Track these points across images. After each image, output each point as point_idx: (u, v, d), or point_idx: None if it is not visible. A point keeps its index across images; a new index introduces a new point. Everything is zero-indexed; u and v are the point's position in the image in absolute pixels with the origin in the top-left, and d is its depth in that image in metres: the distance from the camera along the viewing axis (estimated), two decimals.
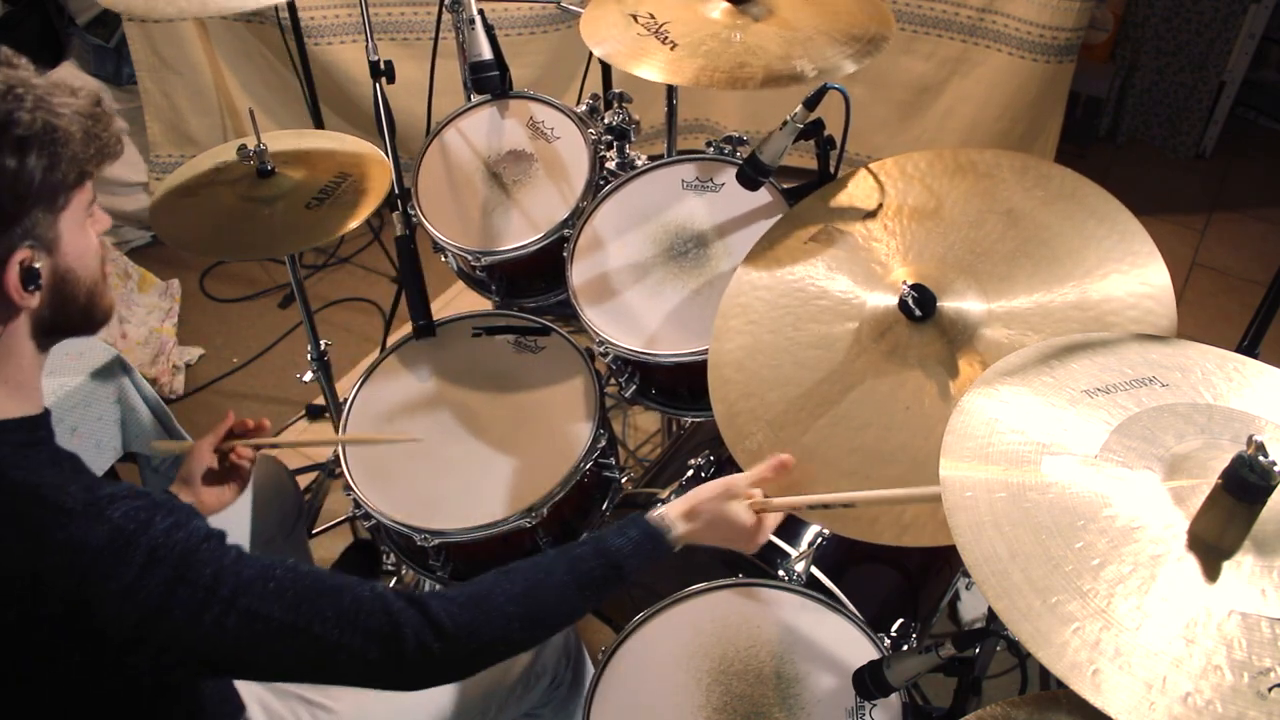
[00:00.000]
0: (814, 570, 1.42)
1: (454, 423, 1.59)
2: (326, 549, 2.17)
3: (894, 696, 1.21)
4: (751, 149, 1.48)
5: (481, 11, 1.73)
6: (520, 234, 1.69)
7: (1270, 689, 0.71)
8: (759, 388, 1.26)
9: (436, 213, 1.76)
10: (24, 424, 0.93)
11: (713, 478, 1.53)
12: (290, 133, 1.83)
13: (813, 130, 1.41)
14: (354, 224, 1.63)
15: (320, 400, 2.51)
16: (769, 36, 1.47)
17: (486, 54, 1.70)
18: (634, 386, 1.62)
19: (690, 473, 1.54)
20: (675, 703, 1.26)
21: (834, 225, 1.37)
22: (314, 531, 2.21)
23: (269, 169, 1.68)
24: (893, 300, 1.22)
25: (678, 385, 1.61)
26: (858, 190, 1.40)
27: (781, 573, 1.41)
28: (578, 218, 1.68)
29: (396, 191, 1.69)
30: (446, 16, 1.95)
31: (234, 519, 1.50)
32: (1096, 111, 3.24)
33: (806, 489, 1.18)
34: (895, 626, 1.36)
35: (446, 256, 1.81)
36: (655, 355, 1.52)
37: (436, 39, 2.07)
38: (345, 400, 1.63)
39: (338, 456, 1.57)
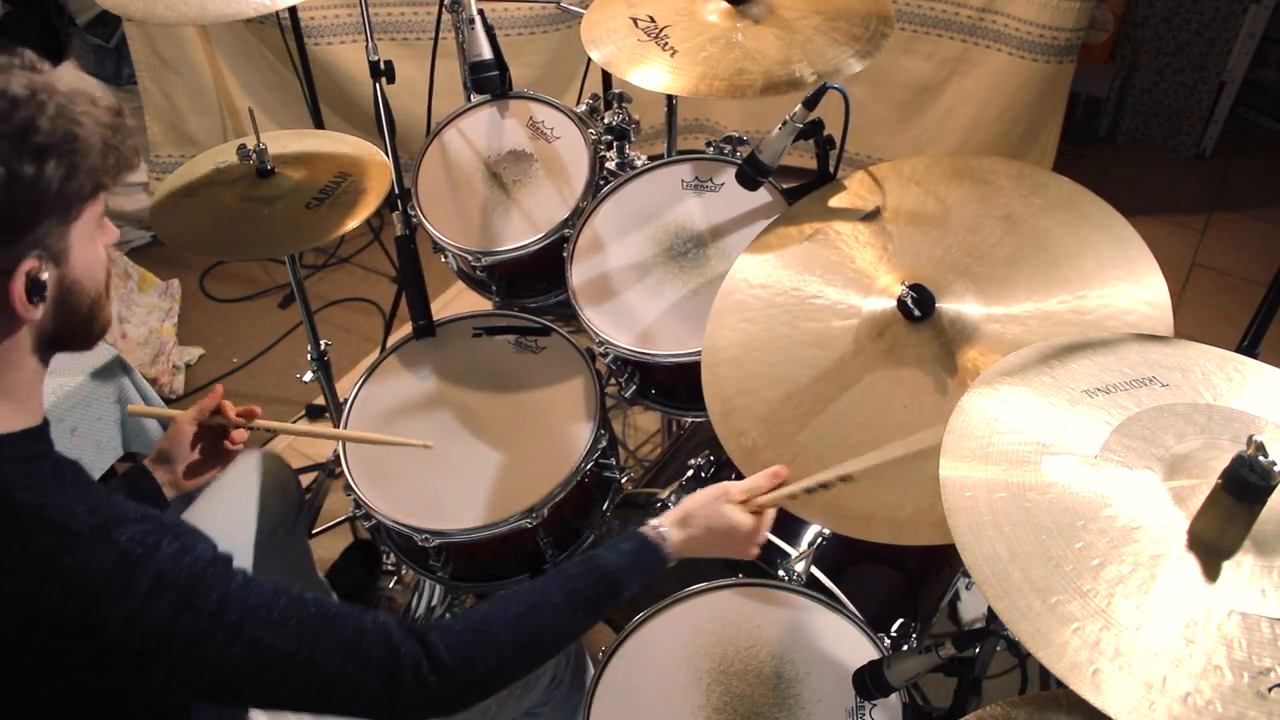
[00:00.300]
0: (814, 570, 1.42)
1: (454, 423, 1.59)
2: (326, 549, 2.16)
3: (894, 696, 1.21)
4: (751, 149, 1.48)
5: (481, 11, 1.73)
6: (520, 234, 1.69)
7: (1270, 689, 0.72)
8: (754, 385, 1.26)
9: (436, 213, 1.76)
10: (26, 436, 0.92)
11: (713, 478, 1.55)
12: (290, 133, 1.83)
13: (812, 130, 1.41)
14: (354, 224, 1.63)
15: (320, 400, 2.51)
16: (768, 39, 1.47)
17: (486, 54, 1.70)
18: (634, 387, 1.62)
19: (690, 473, 1.54)
20: (675, 703, 1.26)
21: (833, 225, 1.37)
22: (314, 531, 2.21)
23: (269, 169, 1.68)
24: (890, 301, 1.22)
25: (677, 385, 1.61)
26: (857, 191, 1.40)
27: (781, 573, 1.41)
28: (578, 218, 1.68)
29: (396, 191, 1.69)
30: (446, 16, 1.95)
31: (240, 514, 1.50)
32: (1096, 111, 3.24)
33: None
34: (895, 626, 1.36)
35: (446, 257, 1.81)
36: (655, 355, 1.52)
37: (436, 39, 2.07)
38: (345, 400, 1.63)
39: (338, 456, 1.57)
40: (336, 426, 1.63)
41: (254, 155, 1.67)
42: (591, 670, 1.48)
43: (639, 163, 1.77)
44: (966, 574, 1.72)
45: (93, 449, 1.73)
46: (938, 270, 1.25)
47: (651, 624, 1.34)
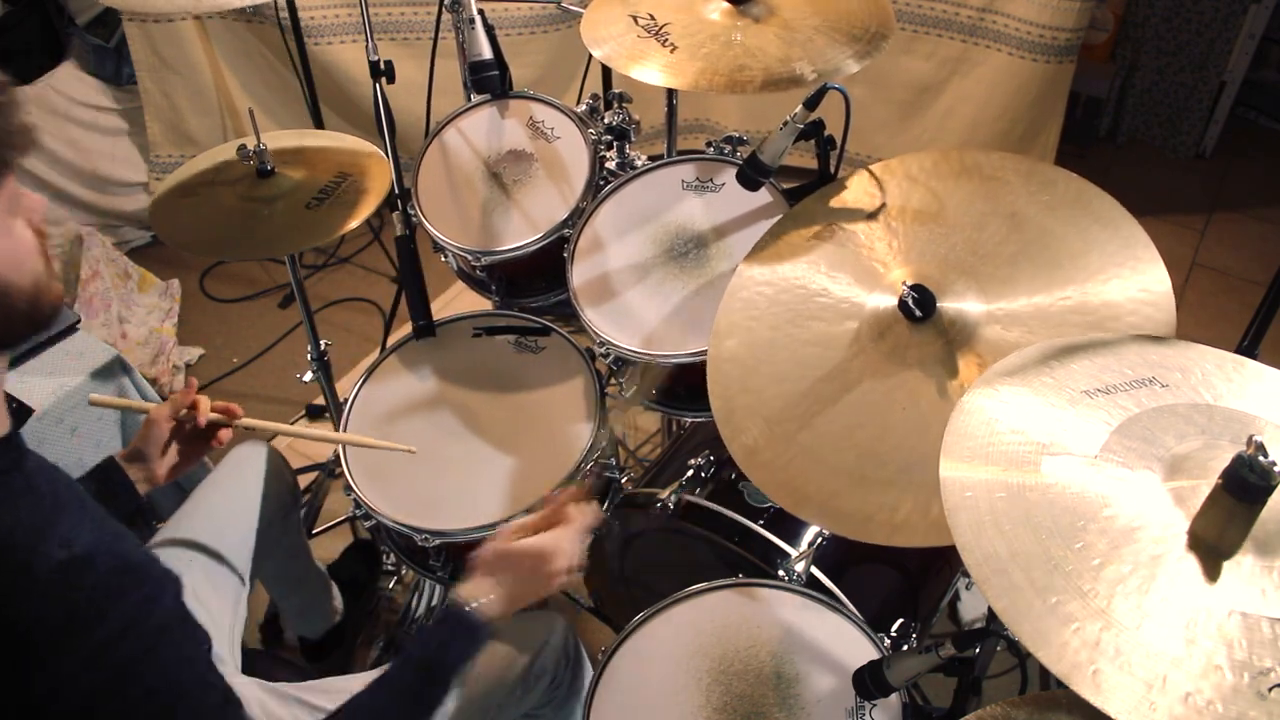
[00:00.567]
0: (814, 570, 1.42)
1: (454, 423, 1.59)
2: (326, 549, 2.16)
3: (894, 696, 1.21)
4: (751, 149, 1.48)
5: (481, 11, 1.73)
6: (520, 234, 1.69)
7: (1270, 689, 0.72)
8: (757, 383, 1.26)
9: (436, 213, 1.76)
10: None
11: (713, 478, 1.55)
12: (290, 133, 1.83)
13: (813, 130, 1.41)
14: (354, 224, 1.63)
15: (320, 400, 2.51)
16: (769, 38, 1.47)
17: (486, 54, 1.70)
18: (634, 387, 1.62)
19: (690, 473, 1.54)
20: (675, 703, 1.26)
21: (835, 224, 1.37)
22: (314, 531, 2.21)
23: (269, 169, 1.68)
24: (893, 300, 1.22)
25: (677, 385, 1.61)
26: (859, 190, 1.40)
27: (781, 573, 1.41)
28: (578, 218, 1.68)
29: (396, 191, 1.69)
30: (446, 16, 1.94)
31: (232, 508, 1.50)
32: (1096, 111, 3.24)
33: (803, 486, 1.18)
34: (895, 626, 1.36)
35: (446, 256, 1.81)
36: (655, 356, 1.52)
37: (436, 39, 2.07)
38: (345, 400, 1.63)
39: (338, 456, 1.57)
40: (336, 427, 1.63)
41: (254, 155, 1.67)
42: (591, 671, 1.48)
43: (639, 163, 1.77)
44: (966, 574, 1.72)
45: (92, 449, 1.73)
46: (941, 269, 1.25)
47: (651, 624, 1.34)
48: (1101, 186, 1.26)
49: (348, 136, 1.82)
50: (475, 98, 1.89)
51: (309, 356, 2.03)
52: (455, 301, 2.84)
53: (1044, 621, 0.77)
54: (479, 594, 1.13)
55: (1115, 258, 1.19)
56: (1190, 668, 0.73)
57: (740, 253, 1.43)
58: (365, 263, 3.07)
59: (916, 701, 1.35)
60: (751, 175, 1.47)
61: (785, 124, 1.39)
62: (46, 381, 1.68)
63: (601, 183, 1.74)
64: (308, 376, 2.07)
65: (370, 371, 1.67)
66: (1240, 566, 0.78)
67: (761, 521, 1.47)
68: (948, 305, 1.20)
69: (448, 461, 1.53)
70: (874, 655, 1.24)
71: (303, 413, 2.56)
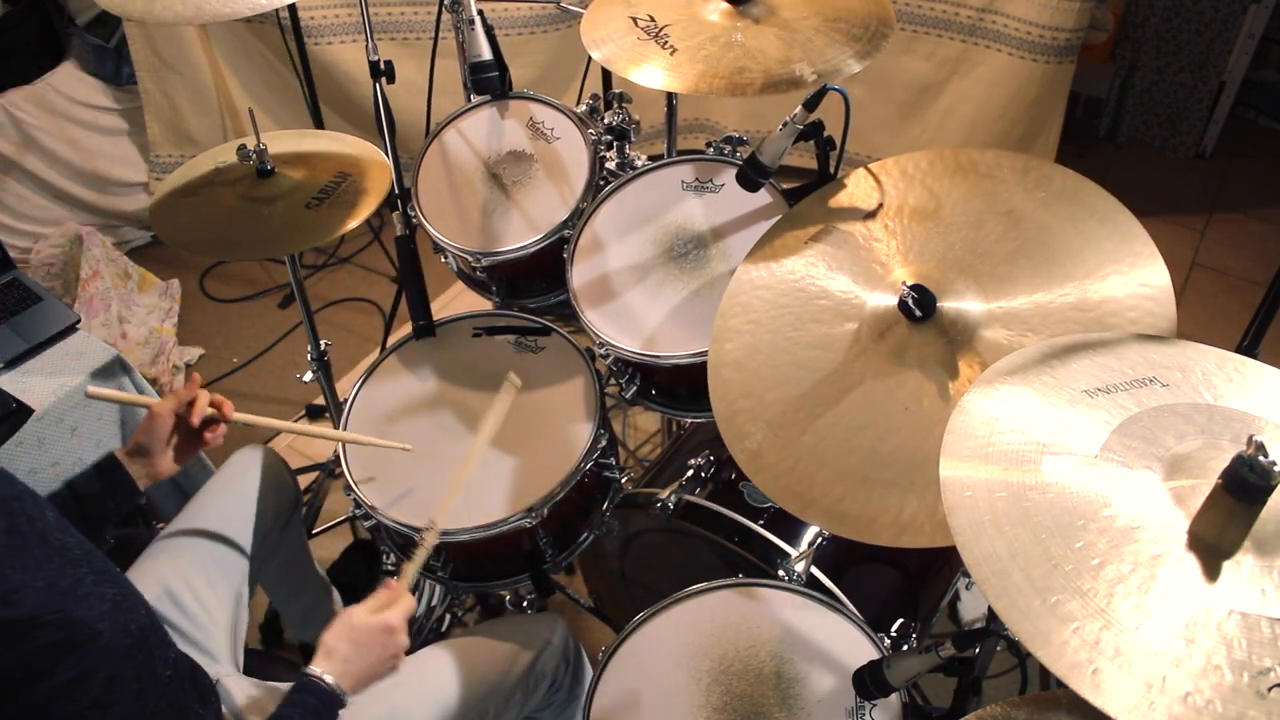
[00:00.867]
0: (814, 570, 1.42)
1: (454, 423, 1.59)
2: (326, 549, 2.17)
3: (894, 696, 1.21)
4: (751, 150, 1.48)
5: (481, 11, 1.73)
6: (520, 235, 1.69)
7: (1270, 689, 0.72)
8: (758, 387, 1.26)
9: (436, 213, 1.76)
10: None
11: (713, 478, 1.55)
12: (290, 133, 1.83)
13: (812, 131, 1.41)
14: (354, 224, 1.63)
15: (320, 400, 2.51)
16: (769, 39, 1.47)
17: (486, 54, 1.70)
18: (634, 388, 1.62)
19: (690, 473, 1.54)
20: (675, 703, 1.26)
21: (834, 225, 1.37)
22: (314, 531, 2.21)
23: (269, 169, 1.68)
24: (893, 300, 1.22)
25: (677, 386, 1.61)
26: (858, 190, 1.40)
27: (781, 573, 1.41)
28: (578, 219, 1.68)
29: (396, 191, 1.69)
30: (446, 16, 1.95)
31: (234, 512, 1.50)
32: (1096, 111, 3.24)
33: (808, 490, 1.18)
34: (895, 626, 1.36)
35: (446, 257, 1.81)
36: (655, 357, 1.52)
37: (436, 39, 2.07)
38: (345, 400, 1.63)
39: (338, 456, 1.57)
40: (336, 427, 1.63)
41: (254, 155, 1.67)
42: (591, 671, 1.48)
43: (639, 163, 1.77)
44: (966, 574, 1.72)
45: (93, 448, 1.73)
46: (940, 268, 1.25)
47: (651, 624, 1.34)
48: (1102, 186, 1.26)
49: (348, 136, 1.82)
50: (475, 98, 1.89)
51: (309, 356, 2.03)
52: (455, 301, 2.84)
53: (1044, 621, 0.77)
54: (331, 669, 1.15)
55: (1114, 254, 1.19)
56: (1190, 667, 0.73)
57: (740, 253, 1.43)
58: (365, 263, 3.07)
59: (916, 701, 1.35)
60: (751, 176, 1.47)
61: (785, 125, 1.39)
62: (46, 381, 1.68)
63: (601, 183, 1.74)
64: (308, 376, 2.07)
65: (370, 371, 1.67)
66: (1240, 566, 0.78)
67: (761, 521, 1.47)
68: (948, 305, 1.20)
69: (448, 461, 1.53)
70: (874, 655, 1.24)
71: (303, 413, 2.56)
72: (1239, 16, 2.96)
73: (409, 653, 1.23)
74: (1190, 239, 2.98)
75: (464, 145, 1.83)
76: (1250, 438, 0.77)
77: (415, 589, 2.03)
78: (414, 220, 1.71)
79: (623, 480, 1.66)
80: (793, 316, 1.30)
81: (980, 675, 1.20)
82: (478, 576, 1.62)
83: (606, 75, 2.08)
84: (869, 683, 1.14)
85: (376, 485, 1.52)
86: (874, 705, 1.22)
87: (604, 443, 1.54)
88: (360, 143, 1.81)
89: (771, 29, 1.49)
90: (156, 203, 1.71)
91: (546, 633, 1.45)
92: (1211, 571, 0.78)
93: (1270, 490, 0.76)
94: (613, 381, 1.65)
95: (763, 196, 1.59)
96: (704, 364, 1.32)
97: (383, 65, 1.78)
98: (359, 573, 2.09)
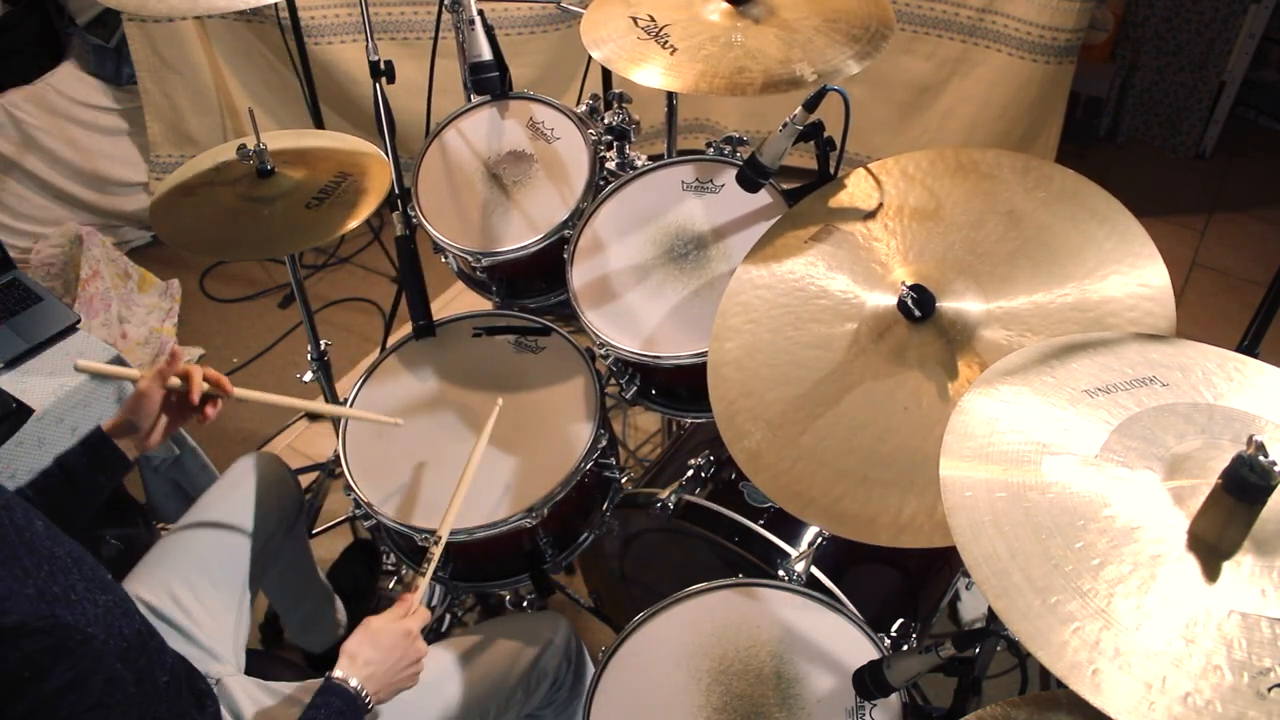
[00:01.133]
0: (814, 570, 1.42)
1: (454, 422, 1.59)
2: (326, 549, 2.17)
3: (894, 696, 1.21)
4: (751, 150, 1.48)
5: (481, 11, 1.73)
6: (520, 235, 1.69)
7: (1270, 689, 0.72)
8: (758, 387, 1.26)
9: (436, 213, 1.76)
10: None
11: (713, 478, 1.55)
12: (290, 133, 1.83)
13: (812, 132, 1.41)
14: (354, 224, 1.63)
15: (320, 400, 2.51)
16: (769, 39, 1.47)
17: (486, 54, 1.70)
18: (634, 388, 1.62)
19: (690, 473, 1.54)
20: (675, 703, 1.26)
21: (834, 225, 1.37)
22: (314, 531, 2.21)
23: (269, 169, 1.68)
24: (892, 300, 1.22)
25: (678, 386, 1.61)
26: (858, 190, 1.40)
27: (781, 573, 1.41)
28: (578, 219, 1.68)
29: (396, 191, 1.69)
30: (446, 16, 1.95)
31: (235, 517, 1.50)
32: (1096, 111, 3.24)
33: (808, 490, 1.18)
34: (895, 626, 1.36)
35: (447, 257, 1.81)
36: (655, 358, 1.52)
37: (436, 39, 2.07)
38: (345, 400, 1.63)
39: (338, 456, 1.57)
40: (337, 428, 1.63)
41: (254, 155, 1.67)
42: (592, 670, 1.48)
43: (639, 163, 1.77)
44: (966, 574, 1.72)
45: None
46: (940, 268, 1.25)
47: (651, 624, 1.34)
48: (1102, 186, 1.26)
49: (348, 136, 1.82)
50: (475, 98, 1.89)
51: (309, 356, 2.03)
52: (455, 301, 2.84)
53: (1043, 621, 0.77)
54: (355, 673, 1.16)
55: (1114, 254, 1.19)
56: (1190, 668, 0.73)
57: (740, 254, 1.43)
58: (365, 263, 3.07)
59: (916, 701, 1.35)
60: (751, 177, 1.47)
61: (785, 125, 1.39)
62: (46, 381, 1.68)
63: (601, 183, 1.74)
64: (308, 376, 2.07)
65: (370, 371, 1.67)
66: (1240, 566, 0.78)
67: (761, 521, 1.47)
68: (947, 305, 1.20)
69: (448, 461, 1.53)
70: (874, 655, 1.24)
71: (303, 413, 2.56)
72: (1239, 16, 2.96)
73: None
74: (1190, 239, 2.99)
75: (464, 145, 1.83)
76: (1250, 437, 0.77)
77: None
78: (414, 220, 1.71)
79: (623, 480, 1.66)
80: (793, 316, 1.30)
81: (980, 675, 1.20)
82: (478, 576, 1.62)
83: (606, 75, 2.08)
84: (869, 683, 1.14)
85: (376, 485, 1.52)
86: (874, 705, 1.22)
87: (604, 443, 1.54)
88: (360, 143, 1.81)
89: (771, 29, 1.49)
90: (156, 203, 1.71)
91: (549, 631, 1.45)
92: (1211, 572, 0.78)
93: (1270, 490, 0.76)
94: (613, 381, 1.65)
95: (763, 197, 1.59)
96: (704, 364, 1.32)
97: (383, 65, 1.77)
98: (359, 573, 2.09)
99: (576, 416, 1.56)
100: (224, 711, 1.26)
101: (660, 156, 1.76)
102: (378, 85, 1.74)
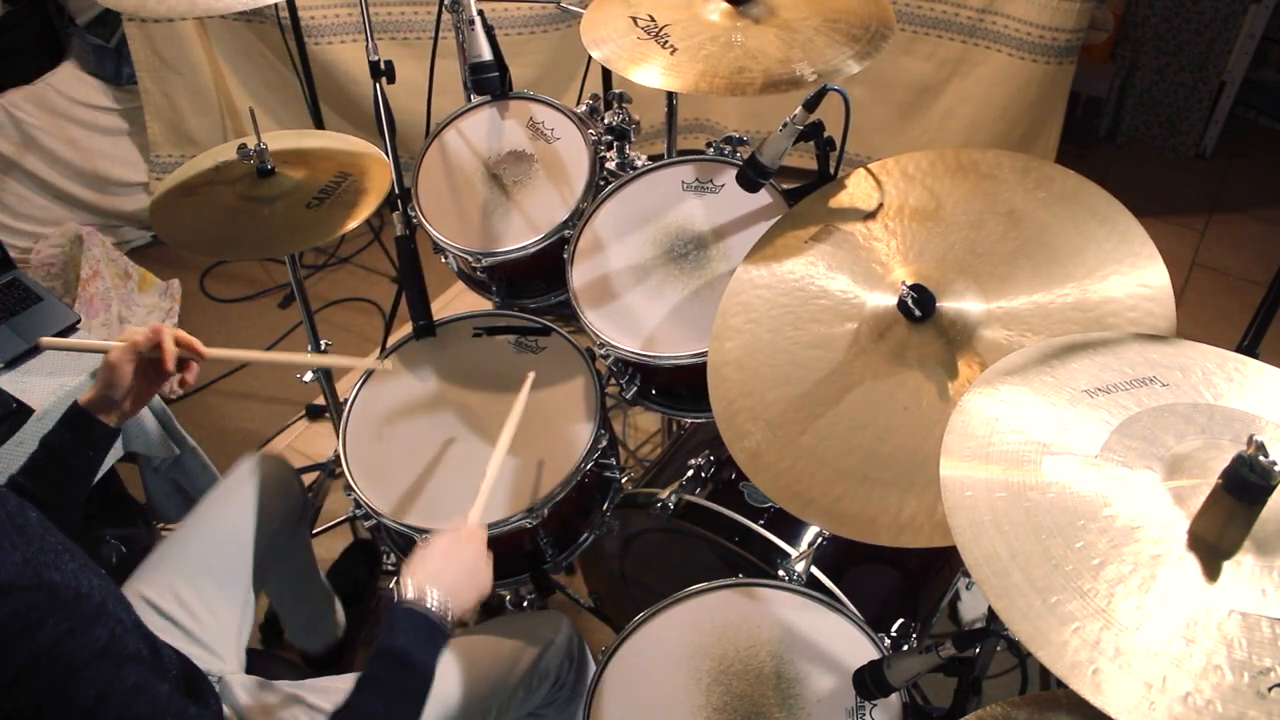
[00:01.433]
0: (814, 570, 1.42)
1: (454, 423, 1.59)
2: (326, 549, 2.17)
3: (894, 696, 1.21)
4: (751, 150, 1.48)
5: (481, 12, 1.73)
6: (520, 235, 1.69)
7: (1270, 689, 0.72)
8: (758, 386, 1.26)
9: (436, 213, 1.76)
10: None
11: (713, 478, 1.55)
12: (290, 133, 1.83)
13: (812, 132, 1.41)
14: (354, 224, 1.63)
15: (320, 400, 2.51)
16: (769, 39, 1.47)
17: (486, 54, 1.70)
18: (635, 388, 1.62)
19: (690, 473, 1.54)
20: (675, 702, 1.26)
21: (834, 225, 1.37)
22: (314, 531, 2.21)
23: (269, 169, 1.68)
24: (892, 300, 1.23)
25: (678, 386, 1.61)
26: (858, 190, 1.40)
27: (781, 573, 1.41)
28: (578, 219, 1.68)
29: (396, 191, 1.69)
30: (446, 16, 1.95)
31: (238, 517, 1.50)
32: (1096, 111, 3.24)
33: (808, 489, 1.18)
34: (895, 626, 1.36)
35: (447, 257, 1.81)
36: (655, 358, 1.52)
37: (436, 39, 2.07)
38: (345, 400, 1.63)
39: (338, 456, 1.57)
40: (337, 428, 1.63)
41: (254, 155, 1.67)
42: (593, 669, 1.48)
43: (639, 163, 1.77)
44: (966, 574, 1.72)
45: None
46: (940, 268, 1.25)
47: (651, 624, 1.34)
48: (1102, 186, 1.26)
49: (348, 136, 1.82)
50: (475, 98, 1.89)
51: None
52: (455, 301, 2.84)
53: (1044, 621, 0.77)
54: (425, 581, 1.13)
55: (1114, 254, 1.19)
56: (1190, 667, 0.73)
57: (740, 254, 1.43)
58: (365, 263, 3.07)
59: (916, 701, 1.35)
60: (751, 177, 1.47)
61: (785, 125, 1.39)
62: (47, 381, 1.68)
63: (601, 183, 1.74)
64: (308, 376, 2.07)
65: (370, 371, 1.67)
66: (1240, 566, 0.78)
67: (761, 521, 1.47)
68: (947, 305, 1.20)
69: (448, 461, 1.54)
70: (874, 655, 1.24)
71: (303, 412, 2.56)
72: (1239, 16, 2.96)
73: None
74: (1190, 239, 2.99)
75: (464, 145, 1.83)
76: (1250, 437, 0.77)
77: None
78: (414, 220, 1.71)
79: (623, 480, 1.66)
80: (793, 316, 1.30)
81: (980, 675, 1.20)
82: None
83: (606, 75, 2.08)
84: (869, 683, 1.14)
85: (376, 485, 1.52)
86: (874, 705, 1.22)
87: (604, 443, 1.54)
88: (360, 143, 1.81)
89: (771, 29, 1.49)
90: (156, 202, 1.72)
91: (551, 631, 1.45)
92: (1212, 571, 0.78)
93: (1270, 490, 0.76)
94: (613, 381, 1.65)
95: (763, 197, 1.59)
96: (704, 364, 1.32)
97: (383, 65, 1.78)
98: (359, 573, 2.09)
99: (576, 416, 1.56)
100: (226, 709, 1.26)
101: (660, 156, 1.76)
102: (378, 85, 1.74)
